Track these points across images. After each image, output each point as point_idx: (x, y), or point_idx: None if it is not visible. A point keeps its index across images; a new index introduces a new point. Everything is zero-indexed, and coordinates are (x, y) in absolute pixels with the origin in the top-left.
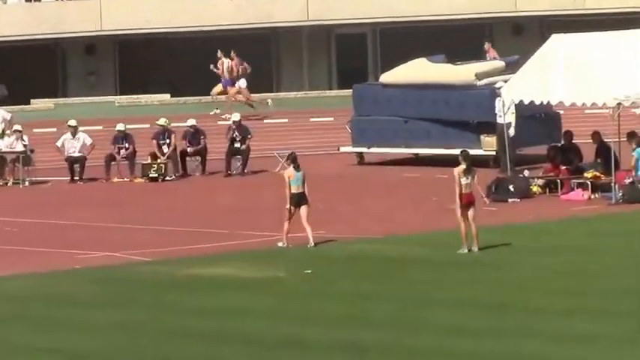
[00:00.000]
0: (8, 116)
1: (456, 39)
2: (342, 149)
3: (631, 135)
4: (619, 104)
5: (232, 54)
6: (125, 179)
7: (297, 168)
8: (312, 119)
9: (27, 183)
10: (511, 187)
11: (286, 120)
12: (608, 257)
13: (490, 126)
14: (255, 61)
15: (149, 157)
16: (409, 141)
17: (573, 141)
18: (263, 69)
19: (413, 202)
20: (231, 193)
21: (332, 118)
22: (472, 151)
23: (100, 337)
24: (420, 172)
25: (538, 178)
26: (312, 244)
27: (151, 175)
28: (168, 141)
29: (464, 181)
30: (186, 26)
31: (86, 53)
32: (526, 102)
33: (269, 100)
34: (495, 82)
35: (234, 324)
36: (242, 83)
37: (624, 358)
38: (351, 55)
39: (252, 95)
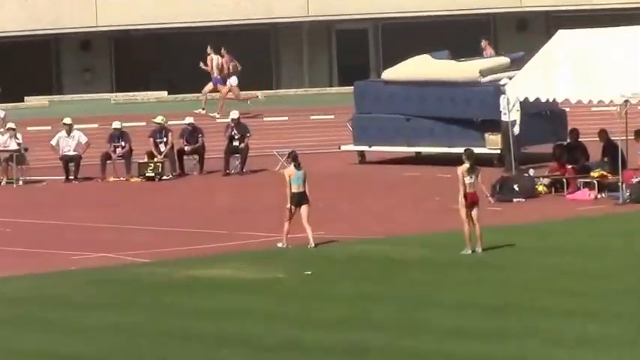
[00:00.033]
0: (2, 114)
1: (459, 35)
2: (343, 148)
3: (639, 133)
4: (626, 101)
5: (223, 51)
6: (121, 178)
7: (297, 167)
8: (312, 117)
9: (21, 182)
10: (516, 187)
11: (286, 118)
12: (615, 258)
13: (494, 124)
14: (255, 57)
15: (146, 156)
16: (411, 139)
17: (579, 139)
18: (262, 65)
19: (415, 202)
20: (230, 192)
21: (333, 116)
22: (476, 150)
23: (97, 340)
24: (423, 171)
25: (543, 177)
26: (313, 244)
27: (147, 175)
28: (165, 139)
29: (467, 180)
30: (184, 22)
31: (81, 49)
32: (531, 99)
33: (258, 94)
34: (500, 79)
35: (233, 326)
36: (233, 81)
37: None
38: (353, 51)
39: (250, 92)
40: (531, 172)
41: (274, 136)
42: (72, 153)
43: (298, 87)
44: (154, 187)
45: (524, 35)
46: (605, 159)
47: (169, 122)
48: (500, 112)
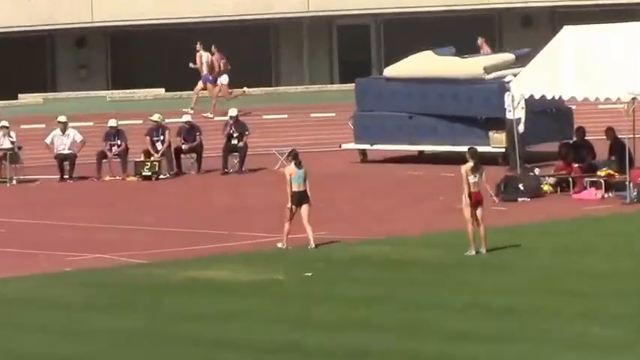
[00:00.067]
0: None
1: (463, 31)
2: (344, 146)
3: None
4: (634, 99)
5: (213, 49)
6: (117, 177)
7: (298, 165)
8: (312, 115)
9: (14, 181)
10: (521, 186)
11: (286, 115)
12: (622, 259)
13: (499, 122)
14: (254, 53)
15: (142, 155)
16: (414, 137)
17: (586, 137)
18: (262, 62)
19: (418, 202)
20: (228, 192)
21: (333, 114)
22: (480, 148)
23: (92, 343)
24: (426, 170)
25: (549, 176)
26: (313, 245)
27: (144, 174)
28: (162, 137)
29: (471, 179)
30: (182, 17)
31: (77, 46)
32: (536, 97)
33: (245, 88)
34: (504, 76)
35: (232, 328)
36: (224, 79)
37: None
38: (354, 47)
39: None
40: (537, 171)
41: (274, 135)
42: (67, 151)
43: (298, 84)
44: (151, 187)
45: (529, 31)
46: (612, 158)
47: (166, 120)
48: (505, 109)
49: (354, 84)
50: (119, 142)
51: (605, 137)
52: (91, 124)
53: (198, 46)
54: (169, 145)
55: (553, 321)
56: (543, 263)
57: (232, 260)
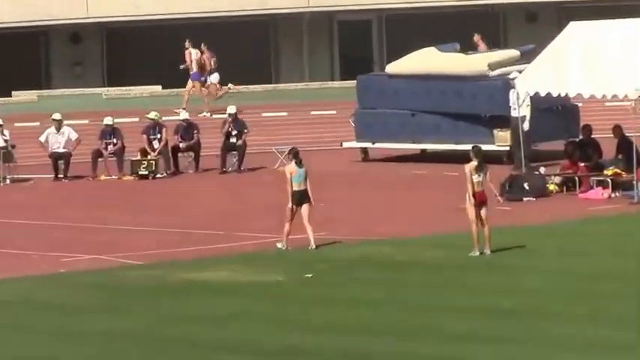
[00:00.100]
0: None
1: (467, 26)
2: (345, 144)
3: None
4: None
5: (203, 47)
6: (113, 177)
7: (299, 164)
8: (313, 112)
9: (8, 181)
10: (526, 185)
11: (285, 113)
12: (629, 259)
13: (503, 120)
14: (253, 50)
15: (139, 153)
16: (417, 136)
17: (592, 136)
18: (261, 59)
19: (420, 201)
20: (227, 191)
21: (334, 111)
22: (484, 147)
23: (87, 346)
24: (429, 169)
25: (555, 175)
26: (314, 246)
27: (140, 173)
28: (159, 136)
29: (475, 178)
30: (179, 13)
31: (72, 42)
32: (542, 94)
33: (230, 85)
34: (509, 73)
35: (231, 331)
36: (214, 78)
37: None
38: (355, 43)
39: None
40: (542, 170)
41: (273, 133)
42: (61, 150)
43: (298, 81)
44: (148, 186)
45: (534, 27)
46: (620, 156)
47: (163, 118)
48: (510, 107)
49: (355, 81)
50: (115, 140)
51: (612, 135)
52: (87, 121)
53: (187, 44)
54: (166, 144)
55: (557, 323)
56: (548, 264)
57: (231, 261)
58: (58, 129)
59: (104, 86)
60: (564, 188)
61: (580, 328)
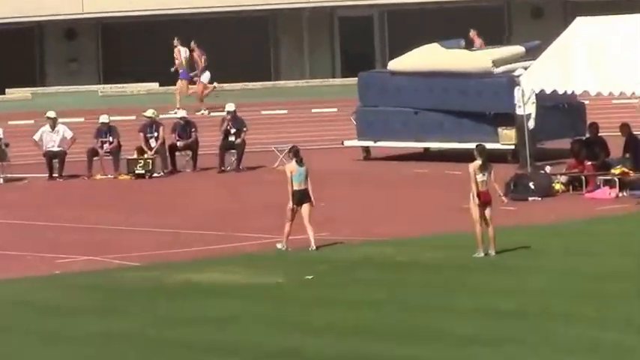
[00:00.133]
0: None
1: (471, 22)
2: (347, 143)
3: None
4: None
5: (193, 44)
6: (109, 176)
7: (299, 162)
8: (313, 110)
9: (1, 180)
10: (531, 185)
11: (285, 111)
12: (637, 260)
13: (508, 117)
14: (252, 46)
15: (135, 152)
16: (420, 134)
17: (599, 134)
18: (260, 55)
19: (423, 201)
20: (225, 191)
21: (335, 109)
22: (489, 145)
23: (82, 349)
24: (432, 167)
25: (561, 174)
26: (314, 247)
27: (137, 172)
28: (156, 134)
29: (480, 178)
30: (177, 8)
31: (67, 38)
32: (548, 91)
33: (215, 84)
34: (514, 70)
35: (229, 333)
36: (205, 78)
37: None
38: (356, 39)
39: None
40: (548, 169)
41: (273, 131)
42: (56, 149)
43: (298, 78)
44: (144, 186)
45: (539, 23)
46: (627, 155)
47: (161, 116)
48: (515, 104)
49: (356, 78)
50: (111, 138)
51: (619, 133)
52: (82, 119)
53: (175, 42)
54: (163, 142)
55: (562, 324)
56: (554, 265)
57: (229, 262)
58: (53, 127)
59: (100, 83)
60: (570, 188)
61: (586, 329)
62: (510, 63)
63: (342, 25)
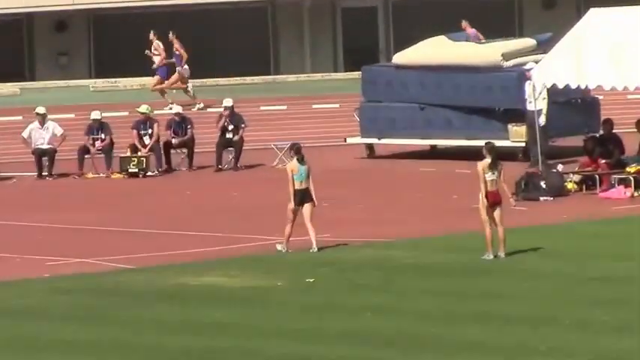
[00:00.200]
0: None
1: (480, 13)
2: (349, 140)
3: None
4: None
5: (172, 36)
6: (101, 175)
7: (301, 160)
8: (314, 106)
9: None
10: (543, 184)
11: (285, 107)
12: None
13: (519, 114)
14: (250, 39)
15: (128, 150)
16: (426, 131)
17: (614, 130)
18: (259, 48)
19: (430, 201)
20: (223, 190)
21: (338, 105)
22: (498, 143)
23: (71, 356)
24: (439, 166)
25: (573, 173)
26: (316, 248)
27: (130, 170)
28: (150, 131)
29: (489, 177)
30: None
31: (56, 30)
32: (560, 86)
33: (190, 86)
34: (525, 63)
35: (226, 340)
36: (186, 71)
37: None
38: (360, 31)
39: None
40: (560, 167)
41: (272, 128)
42: (45, 146)
43: (299, 72)
44: (138, 185)
45: (551, 14)
46: None
47: (155, 112)
48: (525, 100)
49: (360, 72)
50: (103, 135)
51: (635, 130)
52: (73, 115)
53: (151, 36)
54: (158, 139)
55: (575, 332)
56: (567, 268)
57: (227, 265)
58: (42, 123)
59: (91, 78)
60: (584, 187)
61: (601, 337)
62: (521, 56)
63: (344, 17)
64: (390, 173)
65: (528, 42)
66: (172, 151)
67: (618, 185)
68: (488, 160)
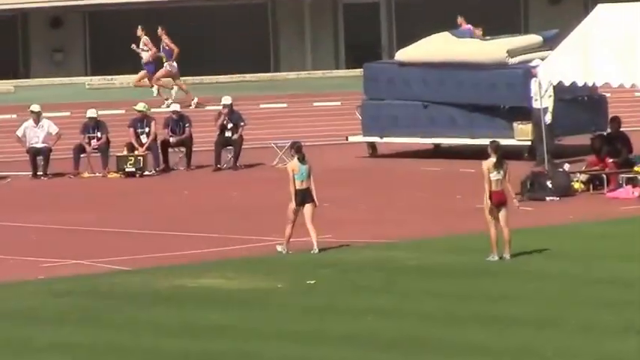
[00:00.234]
0: None
1: (484, 9)
2: (351, 139)
3: None
4: None
5: (160, 31)
6: (97, 174)
7: (301, 160)
8: (315, 104)
9: None
10: (549, 184)
11: (285, 105)
12: None
13: (524, 112)
14: (250, 35)
15: (125, 149)
16: (429, 129)
17: (621, 129)
18: (259, 45)
19: (433, 201)
20: (222, 190)
21: (339, 103)
22: (503, 141)
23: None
24: (442, 165)
25: (580, 172)
26: (317, 249)
27: (127, 170)
28: (147, 129)
29: (494, 176)
30: None
31: (51, 26)
32: (566, 83)
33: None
34: (531, 60)
35: (225, 343)
36: (174, 67)
37: None
38: (362, 28)
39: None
40: (566, 166)
41: (272, 126)
42: (40, 145)
43: (299, 69)
44: (135, 184)
45: (558, 10)
46: None
47: (152, 110)
48: (531, 97)
49: (361, 69)
50: (99, 134)
51: None
52: (68, 114)
53: (139, 31)
54: (155, 138)
55: (581, 335)
56: (573, 270)
57: (226, 266)
58: (37, 122)
59: (87, 75)
60: (591, 187)
61: (607, 339)
62: (526, 53)
63: (346, 13)
64: (392, 172)
65: (534, 38)
66: (170, 149)
67: (626, 185)
68: (493, 160)
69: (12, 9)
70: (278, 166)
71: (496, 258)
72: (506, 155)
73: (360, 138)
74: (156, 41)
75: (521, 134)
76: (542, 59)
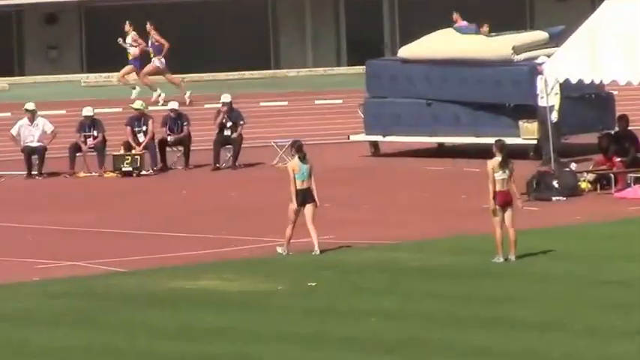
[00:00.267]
0: None
1: (488, 5)
2: (353, 138)
3: None
4: None
5: (149, 26)
6: (93, 174)
7: (302, 159)
8: (316, 102)
9: None
10: (555, 183)
11: (286, 103)
12: None
13: (530, 110)
14: (249, 32)
15: (122, 148)
16: (433, 128)
17: (629, 127)
18: (259, 41)
19: (437, 201)
20: (221, 189)
21: (340, 101)
22: (509, 140)
23: None
24: (446, 164)
25: (587, 172)
26: (318, 250)
27: (124, 169)
28: (144, 128)
29: (499, 176)
30: None
31: (46, 23)
32: (573, 81)
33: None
34: (536, 57)
35: (223, 346)
36: (162, 63)
37: None
38: (364, 24)
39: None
40: (573, 166)
41: (272, 125)
42: (35, 144)
43: (300, 67)
44: (132, 184)
45: (564, 6)
46: None
47: (150, 108)
48: (537, 95)
49: (364, 67)
50: (95, 133)
51: None
52: (64, 112)
53: (127, 27)
54: (153, 137)
55: (585, 337)
56: (581, 271)
57: (225, 268)
58: (32, 120)
59: (83, 72)
60: (598, 186)
61: (612, 342)
62: (532, 50)
63: (348, 9)
64: (395, 172)
65: (540, 35)
66: (168, 148)
67: (634, 184)
68: (498, 159)
69: (6, 5)
70: (278, 166)
71: (501, 259)
72: (512, 154)
73: (362, 137)
74: (144, 37)
75: (527, 133)
76: (549, 56)
